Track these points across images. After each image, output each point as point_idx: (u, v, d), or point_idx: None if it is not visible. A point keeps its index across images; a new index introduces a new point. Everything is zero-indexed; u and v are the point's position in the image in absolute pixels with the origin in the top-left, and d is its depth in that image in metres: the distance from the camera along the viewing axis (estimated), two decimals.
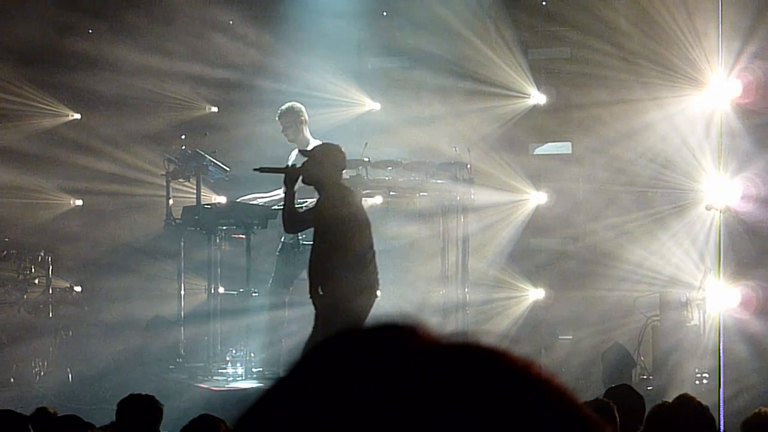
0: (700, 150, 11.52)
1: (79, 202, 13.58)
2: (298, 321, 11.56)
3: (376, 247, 12.10)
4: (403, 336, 1.09)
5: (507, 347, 1.10)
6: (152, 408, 5.81)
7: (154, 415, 5.79)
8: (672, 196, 11.91)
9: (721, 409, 7.41)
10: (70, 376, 11.20)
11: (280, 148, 11.79)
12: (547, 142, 13.29)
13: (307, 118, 11.22)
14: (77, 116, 13.63)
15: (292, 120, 11.15)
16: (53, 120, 13.52)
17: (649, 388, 10.52)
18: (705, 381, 10.57)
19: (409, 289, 12.19)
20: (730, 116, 11.06)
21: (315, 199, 9.04)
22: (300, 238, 10.69)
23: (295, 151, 11.36)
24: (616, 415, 5.33)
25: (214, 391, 10.28)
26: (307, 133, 11.24)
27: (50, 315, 11.67)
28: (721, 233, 10.62)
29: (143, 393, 5.95)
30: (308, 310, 11.35)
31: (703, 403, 5.16)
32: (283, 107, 11.25)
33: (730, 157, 11.11)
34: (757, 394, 10.06)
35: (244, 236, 11.00)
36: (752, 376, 10.53)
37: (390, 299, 12.48)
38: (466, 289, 11.40)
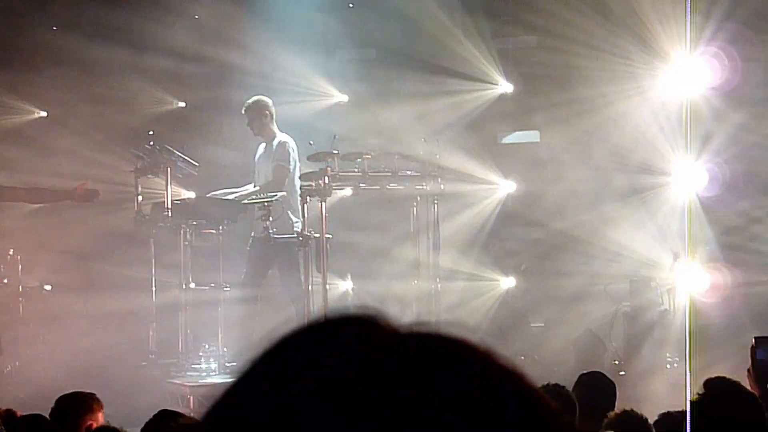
0: (667, 135, 11.56)
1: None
2: (271, 314, 11.57)
3: (346, 239, 12.15)
4: (364, 327, 1.10)
5: (468, 336, 1.11)
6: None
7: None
8: (640, 182, 11.95)
9: (688, 391, 7.47)
10: (42, 375, 11.16)
11: (248, 142, 11.79)
12: (515, 131, 13.32)
13: (273, 112, 11.23)
14: (43, 114, 13.56)
15: (257, 114, 11.16)
16: (19, 118, 13.45)
17: (621, 373, 10.58)
18: (676, 365, 10.64)
19: (380, 279, 12.22)
20: (695, 100, 11.09)
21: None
22: (271, 232, 10.70)
23: (262, 146, 11.38)
24: (575, 401, 5.37)
25: (187, 386, 10.27)
26: (273, 127, 11.25)
27: (20, 314, 11.62)
28: (691, 218, 10.66)
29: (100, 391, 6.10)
30: (280, 303, 11.40)
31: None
32: (249, 101, 11.25)
33: (695, 141, 11.15)
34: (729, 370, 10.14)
35: (214, 231, 10.98)
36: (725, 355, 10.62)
37: (363, 290, 12.52)
38: (438, 279, 11.43)
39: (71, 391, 6.18)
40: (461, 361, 1.07)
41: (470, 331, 1.13)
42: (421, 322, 1.11)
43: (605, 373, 6.85)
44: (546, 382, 5.41)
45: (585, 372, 6.59)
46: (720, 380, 5.00)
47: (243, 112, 11.26)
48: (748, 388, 5.36)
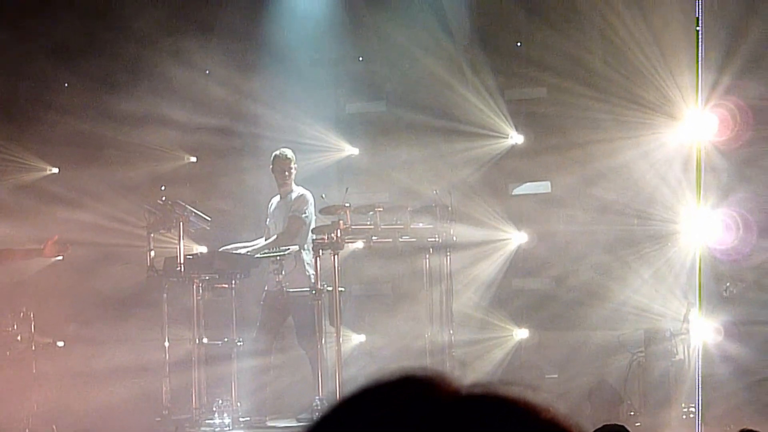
0: (679, 185, 11.57)
1: (59, 257, 13.50)
2: (284, 368, 11.55)
3: (359, 292, 12.15)
4: (425, 388, 1.10)
5: (526, 394, 1.12)
6: None
7: None
8: (653, 233, 11.94)
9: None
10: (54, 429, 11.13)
11: (260, 197, 11.81)
12: (526, 182, 13.32)
13: (296, 167, 11.31)
14: (55, 170, 13.60)
15: (285, 166, 11.22)
16: (31, 175, 13.49)
17: (637, 424, 10.53)
18: (692, 415, 10.57)
19: (393, 332, 12.19)
20: (707, 151, 11.12)
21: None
22: (284, 286, 10.71)
23: (276, 199, 11.41)
24: None
25: None
26: (292, 181, 11.32)
27: (33, 371, 11.58)
28: (702, 268, 10.65)
29: None
30: (294, 357, 11.38)
31: None
32: (278, 152, 11.29)
33: (709, 192, 11.16)
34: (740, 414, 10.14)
35: (227, 286, 10.99)
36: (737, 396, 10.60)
37: (375, 343, 12.49)
38: (451, 331, 11.41)
39: None
40: (524, 422, 1.07)
41: (527, 389, 1.13)
42: (480, 382, 1.12)
43: (623, 424, 6.79)
44: None
45: (607, 424, 6.51)
46: None
47: (272, 160, 11.28)
48: None
